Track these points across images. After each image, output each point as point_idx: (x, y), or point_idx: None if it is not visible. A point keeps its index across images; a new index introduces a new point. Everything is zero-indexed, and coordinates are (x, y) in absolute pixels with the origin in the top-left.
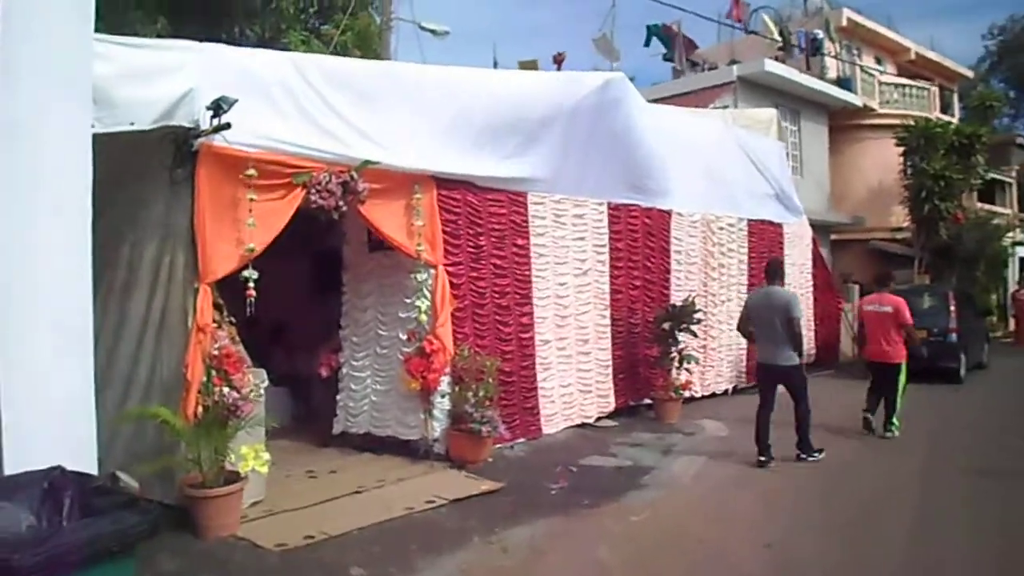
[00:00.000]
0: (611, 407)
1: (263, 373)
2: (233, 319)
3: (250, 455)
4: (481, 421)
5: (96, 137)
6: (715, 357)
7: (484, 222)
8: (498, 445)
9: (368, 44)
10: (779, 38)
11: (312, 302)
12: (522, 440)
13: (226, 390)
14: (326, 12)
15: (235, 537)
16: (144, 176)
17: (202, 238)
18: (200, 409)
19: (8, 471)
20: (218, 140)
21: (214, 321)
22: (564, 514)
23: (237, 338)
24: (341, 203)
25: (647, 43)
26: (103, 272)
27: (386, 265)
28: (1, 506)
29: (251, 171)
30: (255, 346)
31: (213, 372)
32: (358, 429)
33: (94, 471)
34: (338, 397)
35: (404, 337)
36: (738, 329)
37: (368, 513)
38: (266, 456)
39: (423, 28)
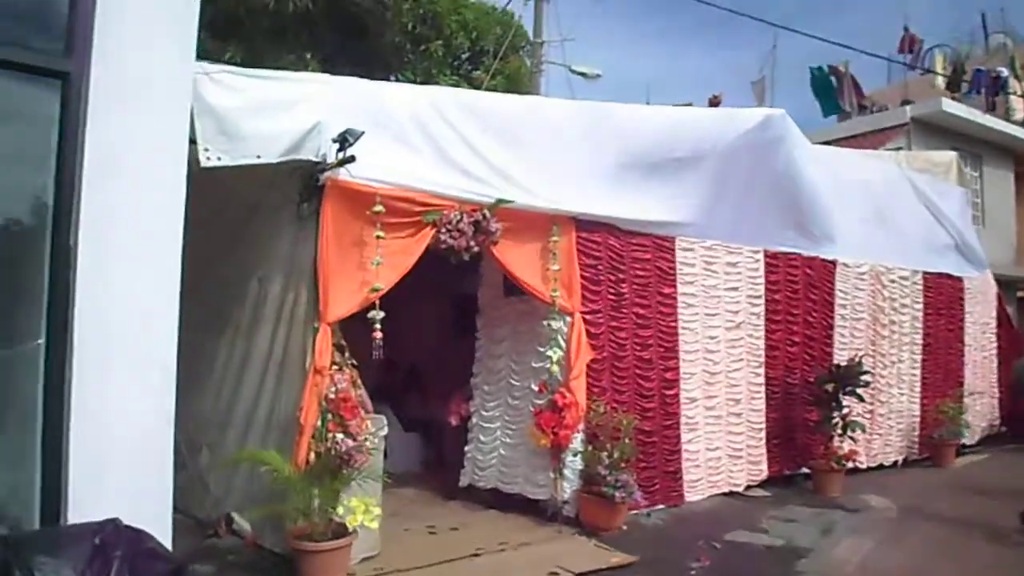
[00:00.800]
0: (763, 475)
1: (383, 420)
2: (355, 362)
3: (360, 509)
4: (615, 485)
5: (228, 172)
6: (883, 424)
7: (627, 268)
8: (634, 512)
9: (518, 88)
10: (949, 75)
11: (448, 346)
12: (661, 507)
13: (340, 437)
14: (477, 57)
15: None
16: (273, 212)
17: (324, 276)
18: (312, 456)
19: (72, 517)
20: (344, 175)
21: (334, 363)
22: None
23: (359, 382)
24: (472, 244)
25: (813, 86)
26: (231, 309)
27: (521, 311)
28: (43, 562)
29: (378, 207)
30: (389, 389)
31: (329, 417)
32: (485, 483)
33: (167, 518)
34: (466, 448)
35: (536, 388)
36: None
37: None
38: (377, 511)
39: (574, 72)
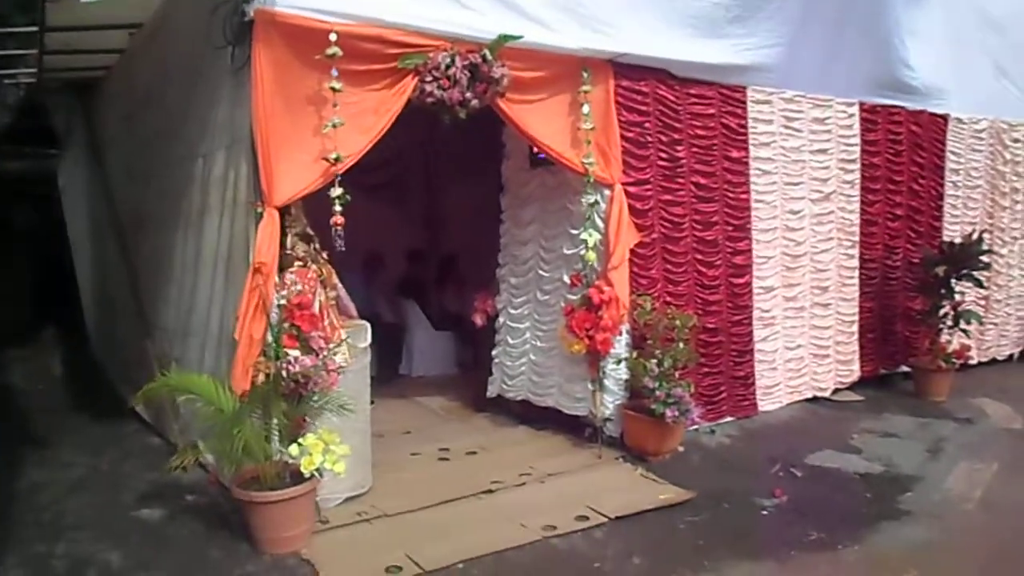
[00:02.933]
0: (854, 376)
1: (366, 330)
2: (326, 255)
3: (317, 448)
4: (666, 401)
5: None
6: (1000, 312)
7: (683, 126)
8: (694, 427)
9: None
10: None
11: (488, 232)
12: (728, 419)
13: (294, 355)
14: None
15: (297, 558)
16: (212, 70)
17: (264, 145)
18: (261, 379)
19: None
20: (283, 4)
21: (297, 259)
22: (777, 559)
23: (333, 281)
24: (470, 96)
25: None
26: (180, 198)
27: (550, 185)
28: None
29: (333, 49)
30: (415, 283)
31: (285, 327)
32: (515, 394)
33: None
34: (494, 352)
35: (567, 280)
36: None
37: (490, 531)
38: (343, 450)
39: None
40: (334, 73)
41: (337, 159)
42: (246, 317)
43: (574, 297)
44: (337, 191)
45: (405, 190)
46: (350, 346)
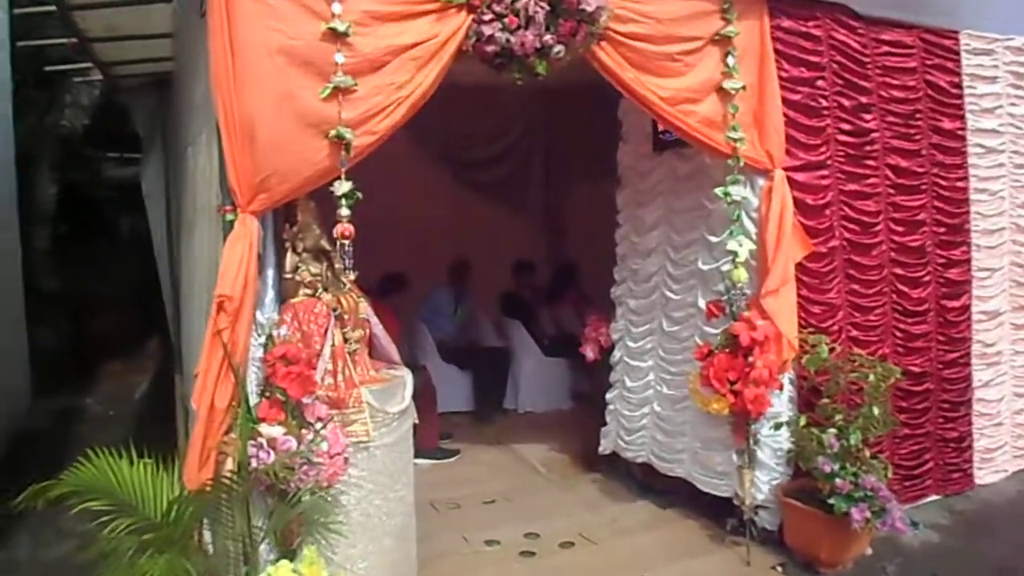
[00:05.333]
0: None
1: (404, 384)
2: (350, 279)
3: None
4: (851, 496)
5: None
6: None
7: (873, 85)
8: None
9: None
10: None
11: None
12: (933, 497)
13: (270, 433)
14: None
15: None
16: (195, 32)
17: (229, 119)
18: (229, 467)
19: None
20: None
21: (306, 286)
22: None
23: (357, 316)
24: (550, 41)
25: None
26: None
27: (681, 175)
28: None
29: None
30: (526, 301)
31: (263, 391)
32: (634, 455)
33: None
34: (608, 396)
35: (703, 307)
36: None
37: None
38: None
39: None
40: (336, 9)
41: (341, 137)
42: (206, 376)
43: (713, 332)
44: (343, 186)
45: (521, 189)
46: (374, 411)
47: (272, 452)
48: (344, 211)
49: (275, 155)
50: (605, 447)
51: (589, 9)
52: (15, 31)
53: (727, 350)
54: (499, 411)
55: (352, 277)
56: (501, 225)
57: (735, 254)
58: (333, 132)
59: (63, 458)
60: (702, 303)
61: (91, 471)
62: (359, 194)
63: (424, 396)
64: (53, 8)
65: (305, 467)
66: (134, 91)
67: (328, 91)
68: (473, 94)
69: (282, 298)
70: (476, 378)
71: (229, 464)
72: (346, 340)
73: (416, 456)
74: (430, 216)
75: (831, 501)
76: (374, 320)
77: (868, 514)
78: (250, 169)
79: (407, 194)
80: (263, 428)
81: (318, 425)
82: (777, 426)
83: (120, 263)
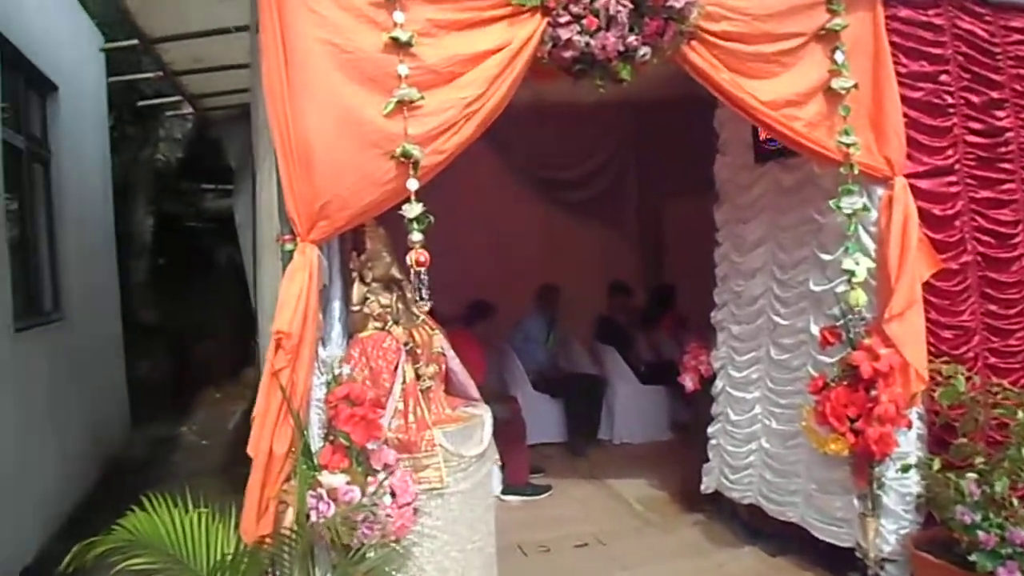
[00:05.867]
0: None
1: (483, 424)
2: (422, 310)
3: None
4: (996, 552)
5: None
6: None
7: (1004, 79)
8: None
9: None
10: None
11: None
12: None
13: (331, 482)
14: None
15: None
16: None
17: (284, 139)
18: (289, 518)
19: None
20: None
21: (375, 319)
22: None
23: (431, 351)
24: (635, 43)
25: None
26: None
27: (787, 187)
28: None
29: None
30: (620, 326)
31: (328, 436)
32: (740, 495)
33: None
34: (710, 430)
35: (817, 333)
36: None
37: None
38: None
39: None
40: (398, 18)
41: (407, 156)
42: (264, 419)
43: (828, 362)
44: (414, 209)
45: (614, 208)
46: (448, 455)
47: (332, 504)
48: (416, 236)
49: (335, 178)
50: (708, 485)
51: (677, 5)
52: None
53: (845, 383)
54: (593, 442)
55: (426, 308)
56: (594, 246)
57: (851, 273)
58: (399, 150)
59: (155, 486)
60: (814, 329)
61: (141, 523)
62: (431, 218)
63: (513, 429)
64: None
65: (369, 521)
66: (224, 123)
67: (392, 106)
68: (561, 110)
69: (349, 333)
70: (569, 407)
71: (289, 515)
72: (419, 377)
73: (505, 492)
74: (519, 239)
75: (972, 557)
76: (450, 354)
77: (1019, 574)
78: (309, 195)
79: (494, 217)
80: (323, 477)
81: (381, 475)
82: (905, 468)
83: (217, 294)
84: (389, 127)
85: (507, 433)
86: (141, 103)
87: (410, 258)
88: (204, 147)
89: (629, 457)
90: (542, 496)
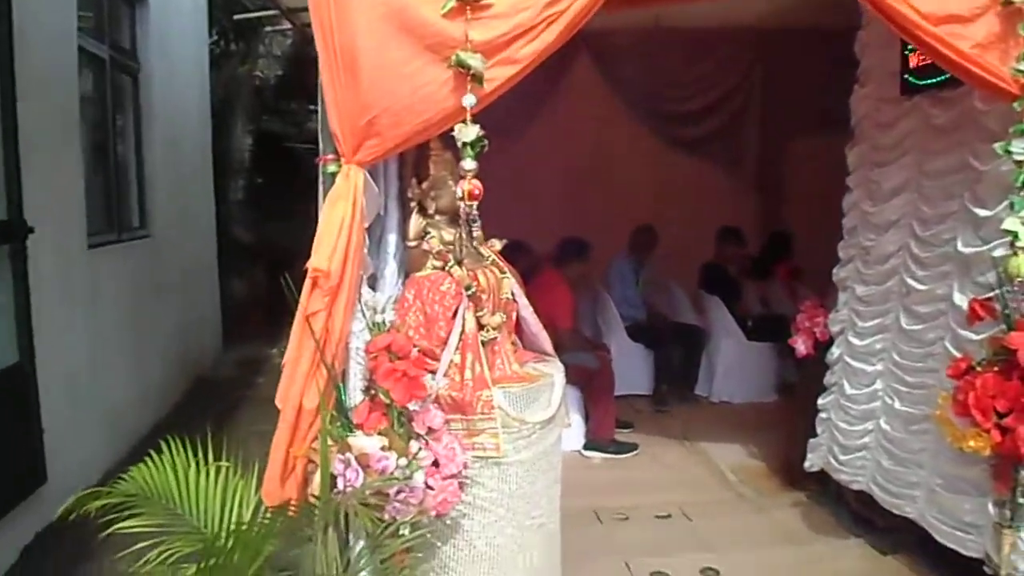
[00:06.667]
0: None
1: (552, 385)
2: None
3: None
4: None
5: None
6: None
7: None
8: None
9: None
10: None
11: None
12: None
13: (361, 445)
14: None
15: None
16: None
17: (329, 52)
18: (315, 482)
19: None
20: None
21: (435, 257)
22: None
23: (499, 297)
24: None
25: None
26: None
27: (938, 125)
28: None
29: None
30: (728, 275)
31: (371, 389)
32: (849, 479)
33: None
34: (821, 401)
35: (962, 304)
36: None
37: None
38: None
39: None
40: None
41: (463, 65)
42: (295, 369)
43: (974, 339)
44: (469, 132)
45: (732, 145)
46: (508, 420)
47: (360, 471)
48: (468, 164)
49: (385, 87)
50: (813, 463)
51: None
52: None
53: (996, 368)
54: (690, 398)
55: (497, 246)
56: (706, 186)
57: (1015, 236)
58: (453, 59)
59: (235, 410)
60: (960, 299)
61: (152, 475)
62: (486, 142)
63: (601, 380)
64: None
65: (404, 494)
66: None
67: (451, 4)
68: (680, 37)
69: (405, 272)
70: (665, 358)
71: (317, 479)
72: (481, 327)
73: (587, 448)
74: (627, 176)
75: None
76: (523, 301)
77: None
78: (355, 107)
79: (602, 152)
80: (354, 439)
81: (414, 447)
82: None
83: (314, 215)
84: (448, 29)
85: (594, 384)
86: (237, 16)
87: (461, 189)
88: (304, 65)
89: (727, 419)
90: (627, 455)
